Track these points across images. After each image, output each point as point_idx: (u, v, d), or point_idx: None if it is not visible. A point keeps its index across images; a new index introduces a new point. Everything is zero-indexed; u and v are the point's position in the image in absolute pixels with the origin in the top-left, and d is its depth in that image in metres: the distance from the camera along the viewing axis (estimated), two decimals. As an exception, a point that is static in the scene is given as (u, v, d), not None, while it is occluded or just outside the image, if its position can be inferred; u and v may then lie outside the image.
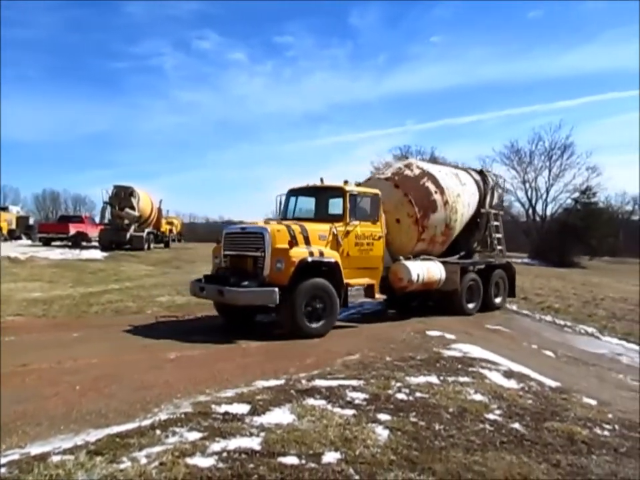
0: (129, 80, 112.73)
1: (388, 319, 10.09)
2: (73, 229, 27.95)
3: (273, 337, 7.96)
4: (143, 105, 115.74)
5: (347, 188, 9.36)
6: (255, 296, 7.90)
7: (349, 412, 4.53)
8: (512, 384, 5.90)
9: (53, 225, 31.10)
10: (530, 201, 46.51)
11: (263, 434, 3.94)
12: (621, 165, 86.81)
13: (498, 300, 12.62)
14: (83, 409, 4.51)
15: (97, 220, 29.71)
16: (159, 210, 29.90)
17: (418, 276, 10.08)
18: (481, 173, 13.41)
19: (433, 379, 5.76)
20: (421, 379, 5.72)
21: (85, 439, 3.77)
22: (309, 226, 8.73)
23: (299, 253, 8.13)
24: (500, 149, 48.21)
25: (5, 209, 38.04)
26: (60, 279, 15.42)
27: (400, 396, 5.09)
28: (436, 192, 11.09)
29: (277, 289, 7.76)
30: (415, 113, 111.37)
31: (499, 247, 13.21)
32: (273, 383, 5.38)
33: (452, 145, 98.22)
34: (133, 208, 25.70)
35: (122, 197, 25.78)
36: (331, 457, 3.60)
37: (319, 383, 5.38)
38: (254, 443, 3.75)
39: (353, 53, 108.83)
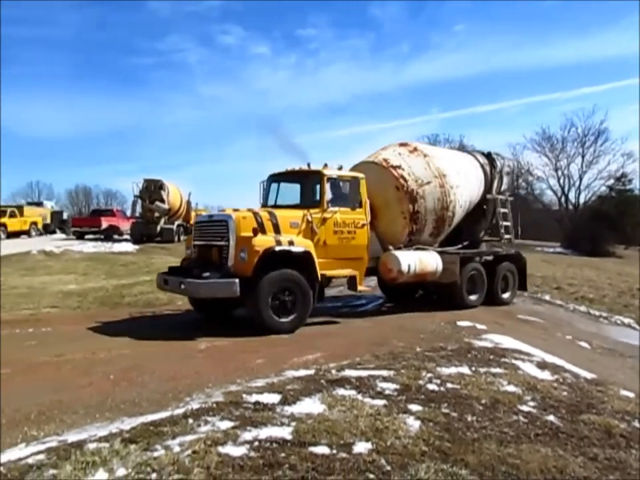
0: (153, 75, 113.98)
1: (416, 309, 9.95)
2: (105, 223, 28.50)
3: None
4: (166, 100, 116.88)
5: (325, 172, 8.66)
6: (215, 288, 7.38)
7: (380, 402, 4.50)
8: (546, 375, 5.77)
9: (86, 219, 31.60)
10: (562, 188, 45.45)
11: (293, 423, 3.93)
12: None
13: (506, 295, 11.39)
14: (117, 397, 4.60)
15: (128, 213, 30.22)
16: (188, 202, 30.11)
17: (409, 266, 9.33)
18: (488, 156, 12.19)
19: (465, 370, 5.67)
20: (452, 370, 5.64)
21: (119, 427, 3.83)
22: (279, 212, 8.21)
23: (264, 241, 7.57)
24: (531, 135, 47.00)
25: (39, 204, 39.20)
26: (93, 271, 15.75)
27: (431, 386, 5.02)
28: (431, 175, 10.10)
29: (237, 280, 7.27)
30: (439, 102, 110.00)
31: (507, 236, 12.03)
32: (303, 372, 5.38)
33: (479, 133, 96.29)
34: (162, 201, 25.95)
35: (152, 190, 26.02)
36: (362, 447, 3.57)
37: (349, 373, 5.35)
38: (285, 433, 3.75)
39: (373, 43, 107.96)
